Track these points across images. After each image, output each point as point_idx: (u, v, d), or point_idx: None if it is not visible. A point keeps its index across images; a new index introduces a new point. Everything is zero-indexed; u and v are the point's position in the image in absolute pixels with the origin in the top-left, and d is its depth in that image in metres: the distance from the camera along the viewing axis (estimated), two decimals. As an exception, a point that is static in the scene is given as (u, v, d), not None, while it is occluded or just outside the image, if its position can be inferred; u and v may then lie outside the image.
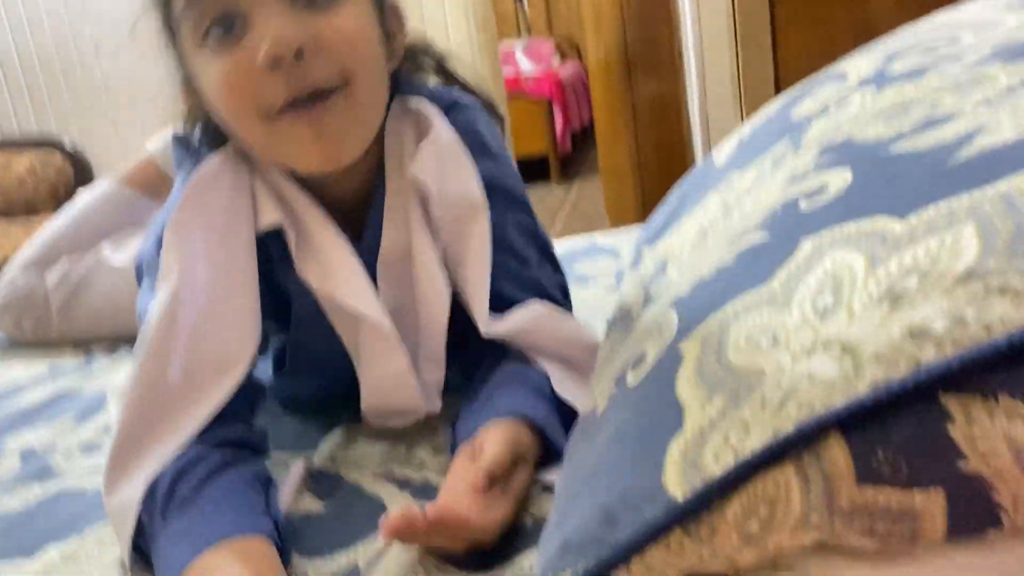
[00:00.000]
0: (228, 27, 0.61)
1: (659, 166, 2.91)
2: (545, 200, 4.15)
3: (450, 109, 0.73)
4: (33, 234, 2.22)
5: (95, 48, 2.69)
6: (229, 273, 0.65)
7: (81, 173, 2.74)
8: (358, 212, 0.71)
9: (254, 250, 0.67)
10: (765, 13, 1.35)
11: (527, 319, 0.66)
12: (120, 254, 1.15)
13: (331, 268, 0.67)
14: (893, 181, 0.46)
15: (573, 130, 4.86)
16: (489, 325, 0.66)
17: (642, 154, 3.01)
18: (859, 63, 0.82)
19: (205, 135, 0.72)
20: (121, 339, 1.14)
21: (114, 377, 1.04)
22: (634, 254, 0.90)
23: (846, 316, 0.37)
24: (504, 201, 0.72)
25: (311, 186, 0.70)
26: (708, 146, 2.50)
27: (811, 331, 0.38)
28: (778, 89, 1.40)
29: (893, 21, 1.32)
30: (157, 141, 1.26)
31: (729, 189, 0.75)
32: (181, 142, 0.73)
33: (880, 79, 0.72)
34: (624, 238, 1.27)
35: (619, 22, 2.97)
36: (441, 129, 0.70)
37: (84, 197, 1.21)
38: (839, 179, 0.51)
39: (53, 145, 2.72)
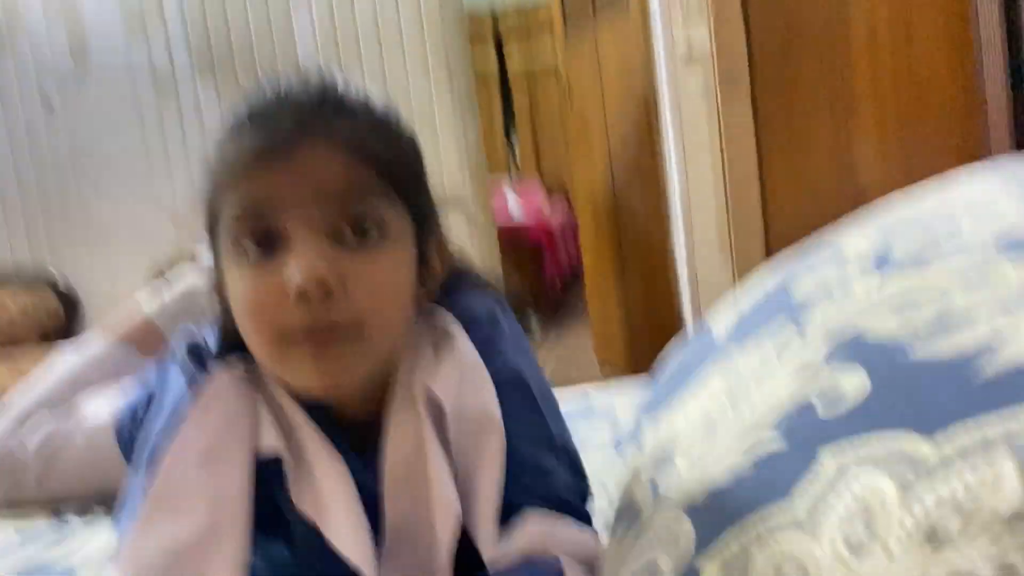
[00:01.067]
0: (266, 245, 0.61)
1: (647, 309, 2.92)
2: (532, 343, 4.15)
3: (469, 319, 0.73)
4: (16, 373, 2.19)
5: (95, 188, 2.73)
6: (220, 513, 0.63)
7: (72, 312, 2.72)
8: (370, 422, 0.69)
9: (251, 475, 0.65)
10: (754, 173, 1.39)
11: (533, 539, 0.63)
12: (101, 409, 1.11)
13: (326, 504, 0.64)
14: (915, 392, 0.45)
15: (563, 274, 4.92)
16: (493, 551, 0.63)
17: (630, 298, 3.03)
18: (855, 240, 0.83)
19: (223, 333, 0.71)
20: (94, 499, 1.09)
21: (86, 545, 0.98)
22: (635, 425, 0.88)
23: (884, 556, 0.35)
24: (520, 403, 0.70)
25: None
26: (696, 297, 2.53)
27: (845, 570, 0.36)
28: (768, 243, 1.42)
29: (880, 182, 1.36)
30: (152, 296, 1.25)
31: (733, 371, 0.74)
32: (193, 353, 0.73)
33: (882, 264, 0.72)
34: (619, 398, 1.25)
35: (606, 169, 3.06)
36: (463, 348, 0.69)
37: (73, 353, 1.19)
38: (856, 382, 0.50)
39: (46, 283, 2.72)
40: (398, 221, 0.64)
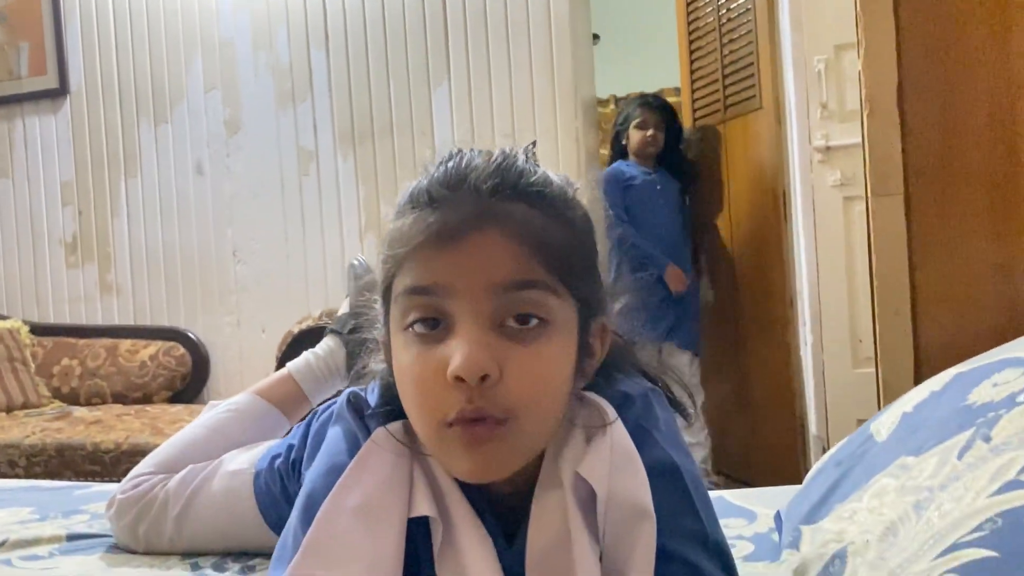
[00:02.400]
0: (433, 324, 0.62)
1: (766, 409, 2.83)
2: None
3: (622, 404, 0.72)
4: (150, 429, 2.29)
5: (233, 253, 2.88)
6: (374, 572, 0.64)
7: (201, 366, 2.84)
8: (519, 502, 0.69)
9: (403, 537, 0.65)
10: (905, 282, 1.34)
11: None
12: (239, 458, 1.14)
13: (468, 574, 0.64)
14: None
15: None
16: None
17: (748, 396, 2.94)
18: (1041, 350, 0.78)
19: (384, 397, 0.73)
20: (230, 554, 1.11)
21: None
22: (791, 531, 0.83)
23: None
24: (672, 495, 0.68)
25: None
26: (823, 399, 2.43)
27: None
28: (917, 357, 1.36)
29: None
30: (299, 359, 1.29)
31: (907, 476, 0.70)
32: (353, 405, 0.75)
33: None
34: (755, 498, 1.20)
35: (730, 258, 3.02)
36: (617, 434, 0.68)
37: (219, 407, 1.23)
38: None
39: (178, 336, 2.86)
40: (563, 310, 0.64)
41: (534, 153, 0.69)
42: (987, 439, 0.66)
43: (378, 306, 0.72)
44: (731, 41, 2.94)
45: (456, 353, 0.59)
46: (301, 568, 0.64)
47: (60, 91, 2.98)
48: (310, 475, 0.73)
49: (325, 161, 2.80)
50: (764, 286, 2.79)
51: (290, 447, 1.03)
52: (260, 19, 2.82)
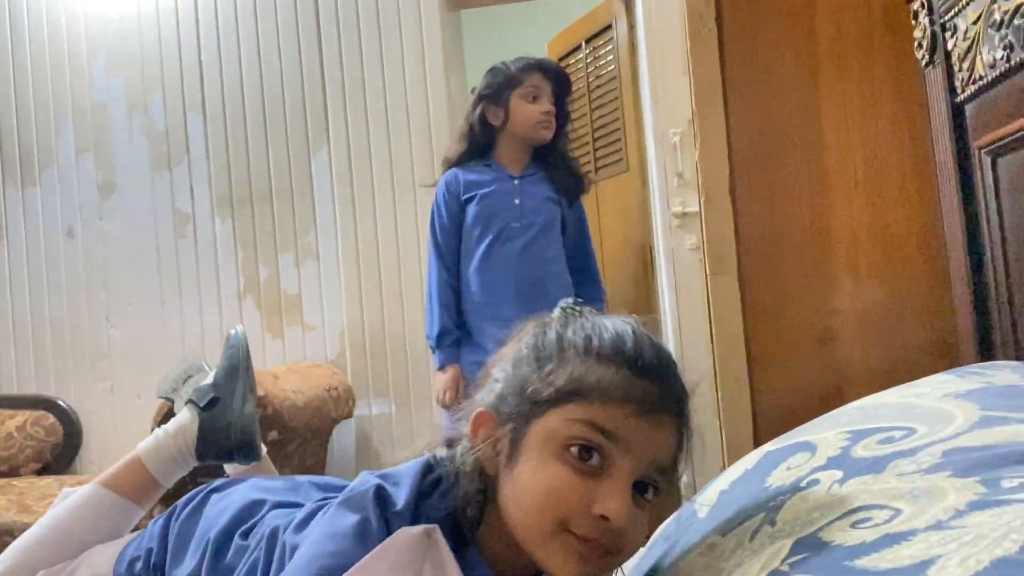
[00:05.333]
0: (588, 455, 0.72)
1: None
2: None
3: None
4: (16, 506, 2.21)
5: (107, 317, 2.82)
6: None
7: (73, 435, 2.76)
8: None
9: None
10: (742, 353, 1.47)
11: None
12: (95, 560, 1.11)
13: None
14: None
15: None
16: None
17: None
18: (827, 436, 0.90)
19: (463, 499, 0.78)
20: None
21: None
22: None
23: None
24: None
25: (489, 562, 0.77)
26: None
27: None
28: (755, 420, 1.49)
29: (860, 368, 1.44)
30: (149, 440, 1.26)
31: (712, 555, 0.80)
32: (379, 499, 0.77)
33: (845, 463, 0.79)
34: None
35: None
36: None
37: (64, 504, 1.19)
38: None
39: (48, 405, 2.77)
40: (669, 496, 0.79)
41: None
42: (772, 523, 0.76)
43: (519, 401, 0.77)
44: (600, 106, 3.11)
45: (611, 500, 0.71)
46: None
47: (-81, 153, 2.88)
48: (299, 559, 0.74)
49: (202, 224, 2.79)
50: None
51: (149, 550, 1.03)
52: (135, 83, 2.81)
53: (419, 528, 0.74)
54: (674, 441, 0.76)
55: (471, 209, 2.06)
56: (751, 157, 1.46)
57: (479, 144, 2.11)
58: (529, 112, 2.05)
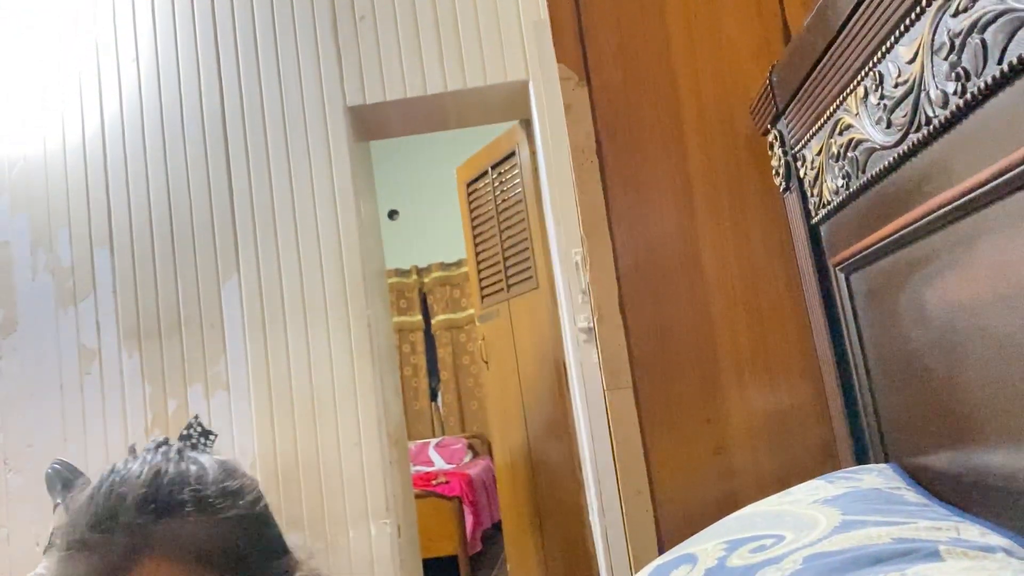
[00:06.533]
0: None
1: (566, 570, 2.93)
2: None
3: None
4: None
5: (3, 461, 2.71)
6: None
7: (-40, 590, 2.59)
8: None
9: None
10: (642, 465, 1.51)
11: None
12: None
13: None
14: None
15: (484, 528, 4.87)
16: None
17: (549, 558, 3.04)
18: (707, 546, 0.94)
19: None
20: None
21: None
22: None
23: None
24: None
25: None
26: (609, 561, 2.57)
27: None
28: (659, 530, 1.52)
29: (752, 474, 1.49)
30: None
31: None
32: None
33: (719, 574, 0.83)
34: None
35: (523, 428, 3.18)
36: None
37: None
38: None
39: (-64, 558, 2.61)
40: None
41: (199, 425, 0.74)
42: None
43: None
44: (509, 227, 3.22)
45: None
46: None
47: None
48: None
49: (108, 359, 2.74)
50: (556, 448, 2.96)
51: None
52: (40, 220, 2.80)
53: None
54: (188, 568, 0.64)
55: None
56: (637, 277, 1.55)
57: None
58: None
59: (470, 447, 5.50)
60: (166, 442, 0.72)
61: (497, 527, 5.08)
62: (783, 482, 1.39)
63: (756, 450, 1.48)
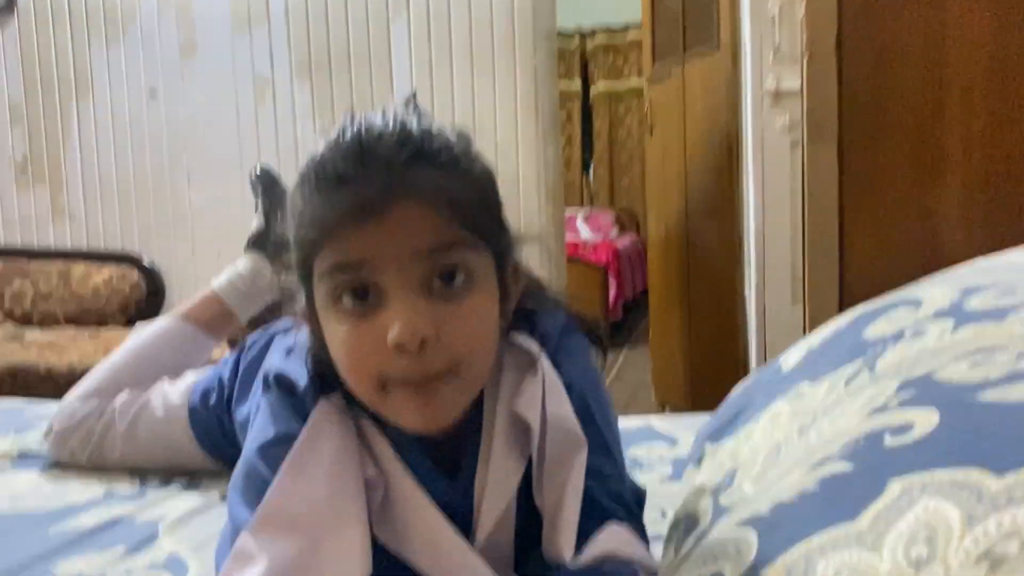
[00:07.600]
0: (363, 296, 0.63)
1: (710, 346, 2.92)
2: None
3: (542, 339, 0.75)
4: (100, 348, 2.30)
5: (187, 178, 2.86)
6: (344, 511, 0.66)
7: (154, 290, 2.85)
8: (456, 441, 0.72)
9: (364, 492, 0.68)
10: (834, 223, 1.40)
11: (608, 547, 0.66)
12: (174, 390, 1.16)
13: (416, 535, 0.68)
14: (984, 432, 0.47)
15: (625, 300, 4.93)
16: (573, 560, 0.66)
17: (693, 333, 3.03)
18: (933, 292, 0.84)
19: (317, 367, 0.72)
20: (174, 471, 1.16)
21: (167, 508, 1.05)
22: (696, 450, 0.90)
23: (942, 570, 0.38)
24: (590, 425, 0.73)
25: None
26: (763, 340, 2.52)
27: (905, 582, 0.38)
28: (842, 294, 1.42)
29: (962, 245, 1.36)
30: (223, 277, 1.31)
31: (800, 402, 0.77)
32: (283, 385, 0.74)
33: (957, 313, 0.74)
34: (681, 425, 1.27)
35: (682, 201, 3.07)
36: (544, 366, 0.72)
37: (145, 332, 1.25)
38: (925, 420, 0.52)
39: (132, 261, 2.86)
40: (483, 264, 0.66)
41: (416, 104, 0.69)
42: (872, 368, 0.72)
43: (293, 283, 0.71)
44: (693, -18, 2.94)
45: (394, 323, 0.61)
46: (259, 532, 0.64)
47: (7, 7, 2.90)
48: (248, 451, 0.73)
49: (281, 90, 2.77)
50: (715, 226, 2.86)
51: (221, 383, 1.07)
52: (216, -60, 2.76)
53: (336, 397, 0.71)
54: (435, 214, 0.63)
55: None
56: (861, 10, 1.35)
57: None
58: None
59: (618, 220, 5.46)
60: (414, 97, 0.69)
61: (635, 301, 5.14)
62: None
63: (972, 223, 1.33)
